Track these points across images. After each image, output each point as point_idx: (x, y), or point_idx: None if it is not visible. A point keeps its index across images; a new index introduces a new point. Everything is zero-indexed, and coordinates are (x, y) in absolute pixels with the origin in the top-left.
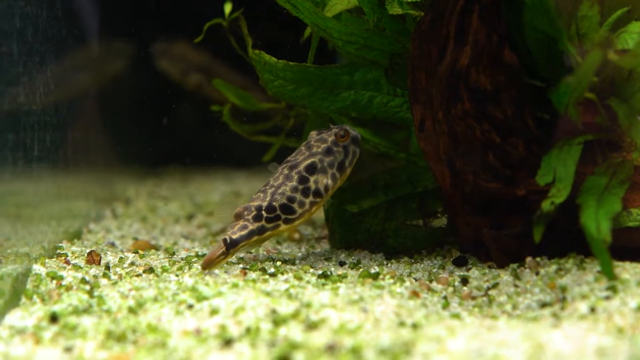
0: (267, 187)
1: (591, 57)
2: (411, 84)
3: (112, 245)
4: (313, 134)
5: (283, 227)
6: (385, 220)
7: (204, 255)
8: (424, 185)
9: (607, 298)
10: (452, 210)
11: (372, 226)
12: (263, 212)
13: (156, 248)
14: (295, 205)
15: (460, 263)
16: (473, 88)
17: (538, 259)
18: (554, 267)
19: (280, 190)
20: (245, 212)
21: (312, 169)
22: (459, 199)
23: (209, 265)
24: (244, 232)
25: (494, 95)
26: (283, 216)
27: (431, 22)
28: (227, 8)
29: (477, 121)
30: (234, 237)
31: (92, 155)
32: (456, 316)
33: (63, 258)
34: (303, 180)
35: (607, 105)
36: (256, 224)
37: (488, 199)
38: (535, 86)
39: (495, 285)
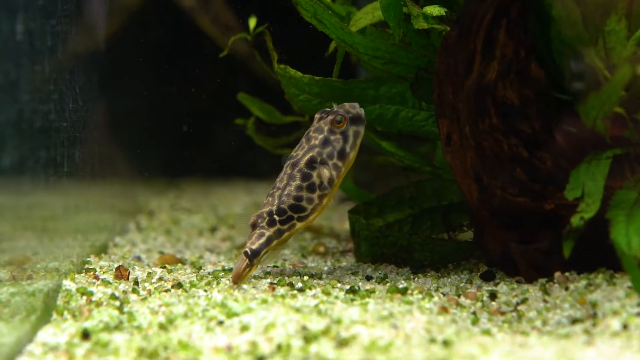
0: (275, 190)
1: (621, 72)
2: (437, 98)
3: (139, 259)
4: (316, 117)
5: (299, 225)
6: (411, 233)
7: (230, 269)
8: (450, 198)
9: (639, 314)
10: (479, 225)
11: (398, 240)
12: (275, 217)
13: (182, 262)
14: (304, 203)
15: (487, 277)
16: (500, 102)
17: (567, 273)
18: (583, 282)
19: (285, 192)
20: (259, 220)
21: (312, 163)
22: (486, 214)
23: (238, 279)
24: (262, 240)
25: (521, 110)
26: (295, 215)
27: (458, 37)
28: (252, 23)
29: (505, 135)
30: (253, 247)
31: (116, 168)
32: (487, 332)
33: (92, 273)
34: (306, 177)
35: (636, 119)
36: (272, 229)
37: (516, 214)
38: (563, 100)
39: (524, 301)
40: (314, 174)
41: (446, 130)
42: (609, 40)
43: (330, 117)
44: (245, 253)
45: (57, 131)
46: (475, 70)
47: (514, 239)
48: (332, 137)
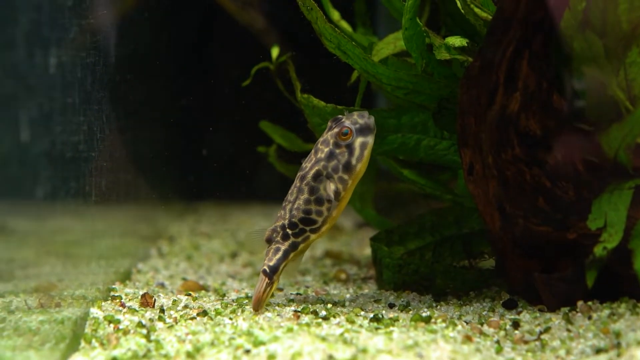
0: (286, 204)
1: None
2: (460, 128)
3: (162, 285)
4: (328, 126)
5: (313, 236)
6: (433, 261)
7: None
8: (471, 226)
9: None
10: (502, 253)
11: (420, 267)
12: (288, 230)
13: (205, 289)
14: (314, 216)
15: (510, 306)
16: (523, 133)
17: (590, 302)
18: (606, 312)
19: (295, 206)
20: (274, 234)
21: (318, 177)
22: (509, 242)
23: (259, 304)
24: (279, 255)
25: (543, 140)
26: (307, 228)
27: (480, 68)
28: (275, 52)
29: (528, 166)
30: (271, 263)
31: (137, 194)
32: None
33: (118, 300)
34: (313, 190)
35: None
36: (287, 243)
37: (538, 243)
38: (585, 130)
39: (547, 330)
40: (321, 187)
41: (469, 160)
42: (631, 71)
43: (335, 130)
44: (264, 272)
45: (86, 161)
46: (498, 101)
47: (536, 267)
48: (337, 151)
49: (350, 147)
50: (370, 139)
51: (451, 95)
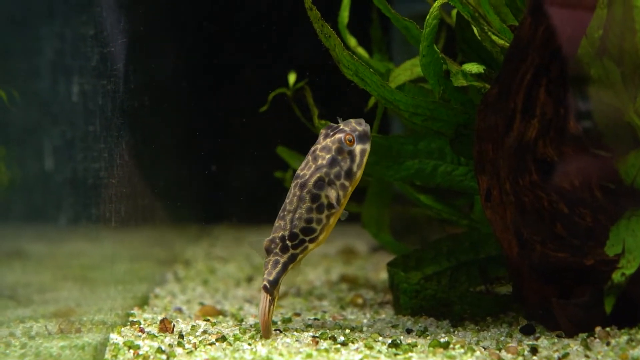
0: (285, 213)
1: None
2: (477, 155)
3: (180, 311)
4: (322, 133)
5: (311, 246)
6: (449, 287)
7: (273, 322)
8: (487, 251)
9: None
10: (519, 279)
11: (437, 293)
12: (287, 242)
13: (223, 313)
14: (314, 225)
15: (528, 331)
16: (540, 159)
17: (608, 328)
18: (624, 338)
19: (297, 215)
20: (272, 245)
21: (320, 184)
22: (526, 268)
23: (267, 330)
24: (278, 268)
25: (561, 166)
26: (307, 238)
27: (498, 95)
28: (292, 78)
29: (545, 192)
30: (271, 278)
31: (154, 219)
32: None
33: (137, 326)
34: (315, 198)
35: None
36: (286, 255)
37: (556, 268)
38: (602, 157)
39: (565, 355)
40: (322, 194)
41: (486, 186)
42: None
43: (338, 136)
44: (265, 287)
45: (106, 187)
46: (516, 128)
47: (554, 293)
48: (340, 157)
49: (352, 154)
50: (367, 146)
51: (468, 121)
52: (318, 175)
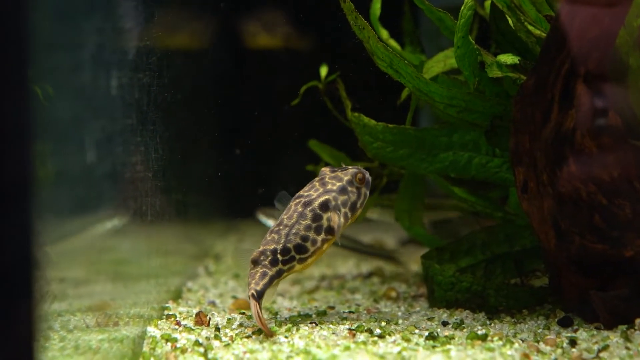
0: (281, 228)
1: None
2: (514, 146)
3: (214, 304)
4: (326, 170)
5: (298, 267)
6: (485, 279)
7: (306, 315)
8: (522, 244)
9: None
10: (557, 271)
11: (472, 285)
12: (279, 256)
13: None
14: (308, 244)
15: (566, 324)
16: (578, 150)
17: None
18: None
19: (294, 230)
20: (262, 257)
21: (326, 206)
22: (564, 260)
23: (269, 330)
24: (265, 280)
25: (599, 158)
26: (297, 256)
27: (535, 86)
28: (323, 71)
29: (583, 183)
30: (258, 288)
31: (187, 214)
32: None
33: (173, 319)
34: (316, 218)
35: None
36: (274, 269)
37: (594, 260)
38: None
39: (605, 347)
40: (325, 216)
41: (522, 178)
42: None
43: (352, 170)
44: (252, 296)
45: (142, 181)
46: (553, 119)
47: (592, 285)
48: (350, 189)
49: (359, 191)
50: (368, 193)
51: (503, 113)
52: (326, 197)
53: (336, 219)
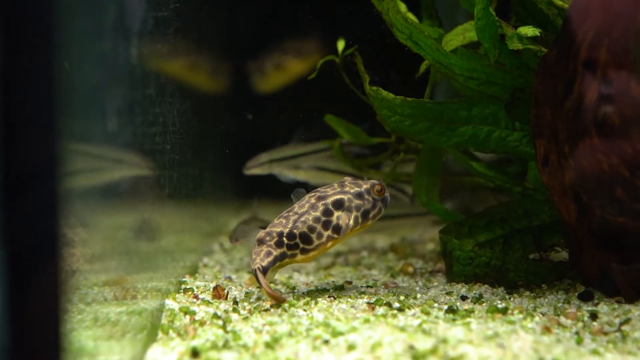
0: (291, 214)
1: None
2: (535, 118)
3: (230, 279)
4: (348, 178)
5: (299, 257)
6: (504, 254)
7: (324, 289)
8: (541, 219)
9: None
10: (578, 245)
11: (491, 260)
12: (284, 239)
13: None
14: (313, 236)
15: (586, 298)
16: (601, 122)
17: None
18: None
19: (302, 219)
20: (268, 238)
21: (339, 204)
22: (585, 234)
23: (276, 295)
24: (270, 259)
25: (622, 129)
26: (301, 245)
27: (557, 58)
28: (340, 45)
29: (606, 155)
30: (264, 264)
31: (203, 190)
32: (595, 352)
33: (191, 293)
34: (327, 212)
35: None
36: (279, 251)
37: (616, 234)
38: None
39: (627, 321)
40: (336, 214)
41: (543, 151)
42: None
43: (374, 181)
44: (258, 269)
45: (161, 153)
46: (576, 91)
47: (614, 259)
48: (367, 196)
49: (375, 203)
50: (382, 211)
51: (524, 85)
52: (341, 196)
53: (346, 219)
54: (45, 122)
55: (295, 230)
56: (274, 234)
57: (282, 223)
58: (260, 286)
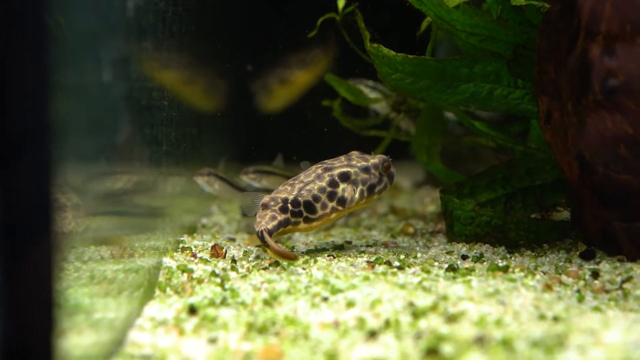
0: (296, 182)
1: None
2: (538, 75)
3: (229, 239)
4: (355, 152)
5: (302, 225)
6: (505, 213)
7: (323, 249)
8: (543, 178)
9: None
10: (579, 203)
11: (492, 219)
12: (289, 205)
13: None
14: (318, 206)
15: (588, 256)
16: (605, 78)
17: None
18: None
19: (308, 187)
20: (272, 203)
21: (345, 177)
22: (587, 192)
23: (289, 254)
24: (275, 223)
25: (626, 86)
26: (305, 214)
27: (560, 12)
28: (341, 3)
29: (609, 112)
30: (269, 227)
31: (200, 149)
32: (597, 309)
33: (189, 251)
34: (333, 184)
35: None
36: (283, 216)
37: (619, 191)
38: None
39: (629, 279)
40: (342, 186)
41: (546, 108)
42: None
43: (381, 156)
44: (265, 231)
45: (159, 109)
46: (579, 46)
47: (616, 217)
48: (373, 171)
49: (381, 178)
50: (389, 186)
51: (527, 42)
52: (348, 169)
53: (351, 191)
54: (37, 87)
55: (299, 198)
56: (279, 200)
57: (287, 190)
58: (266, 249)
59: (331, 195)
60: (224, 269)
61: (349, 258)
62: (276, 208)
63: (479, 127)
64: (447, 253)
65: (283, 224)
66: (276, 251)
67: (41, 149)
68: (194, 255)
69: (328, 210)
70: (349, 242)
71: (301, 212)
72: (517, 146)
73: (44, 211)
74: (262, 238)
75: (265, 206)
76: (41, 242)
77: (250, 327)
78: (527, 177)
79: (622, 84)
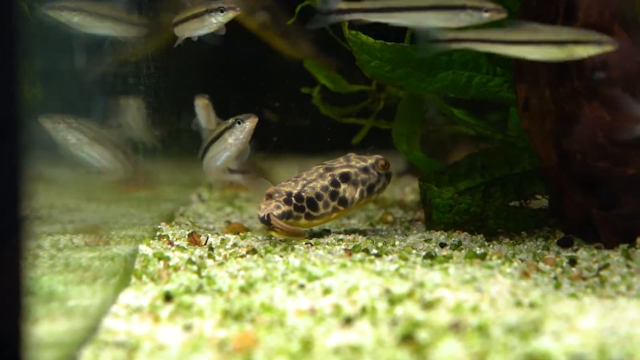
0: (299, 179)
1: None
2: (516, 62)
3: (207, 228)
4: (352, 154)
5: (303, 221)
6: (484, 201)
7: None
8: (522, 166)
9: None
10: (558, 191)
11: (471, 207)
12: (292, 199)
13: (250, 230)
14: (320, 204)
15: (565, 244)
16: (583, 65)
17: None
18: None
19: (311, 185)
20: (276, 195)
21: (346, 177)
22: (566, 179)
23: (300, 232)
24: (280, 212)
25: (605, 73)
26: (307, 210)
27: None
28: None
29: (587, 99)
30: (275, 213)
31: (179, 140)
32: (573, 296)
33: (166, 239)
34: (334, 183)
35: None
36: (286, 207)
37: (597, 179)
38: None
39: (606, 266)
40: (343, 186)
41: (524, 95)
42: None
43: (377, 156)
44: (272, 215)
45: (134, 95)
46: None
47: (594, 204)
48: (372, 171)
49: (379, 177)
50: (387, 185)
51: None
52: (348, 170)
53: (352, 192)
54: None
55: (303, 194)
56: (283, 192)
57: (290, 185)
58: (271, 232)
59: (333, 195)
60: (200, 257)
61: (326, 246)
62: (280, 200)
63: (459, 115)
64: (426, 241)
65: (286, 215)
66: (286, 229)
67: (11, 138)
68: (171, 243)
69: (330, 210)
70: (327, 231)
71: (303, 207)
72: (497, 134)
73: (15, 200)
74: (267, 221)
75: (270, 196)
76: (13, 230)
77: (226, 314)
78: (506, 166)
79: (599, 71)
